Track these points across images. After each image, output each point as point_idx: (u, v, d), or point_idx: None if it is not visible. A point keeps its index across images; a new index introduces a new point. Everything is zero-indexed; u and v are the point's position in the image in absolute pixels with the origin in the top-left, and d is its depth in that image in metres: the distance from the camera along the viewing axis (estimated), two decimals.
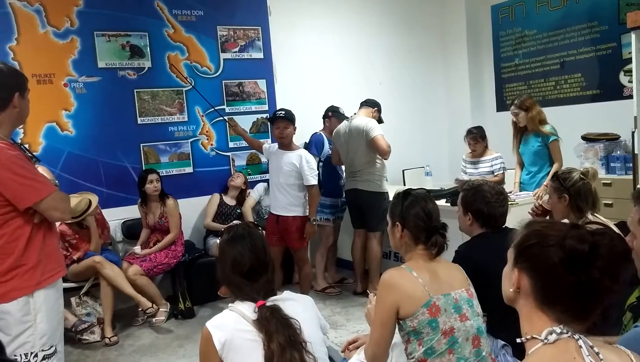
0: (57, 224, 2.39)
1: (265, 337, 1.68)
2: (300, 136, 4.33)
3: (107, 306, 4.12)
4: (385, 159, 4.62)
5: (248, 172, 5.39)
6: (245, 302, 1.79)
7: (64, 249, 4.12)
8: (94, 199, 4.24)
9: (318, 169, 4.55)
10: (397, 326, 2.01)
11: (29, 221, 2.13)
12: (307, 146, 4.89)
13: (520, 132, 4.58)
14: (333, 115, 4.99)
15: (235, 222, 4.83)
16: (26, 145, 4.04)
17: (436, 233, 2.08)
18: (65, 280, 3.93)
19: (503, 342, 2.26)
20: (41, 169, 3.05)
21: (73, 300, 4.13)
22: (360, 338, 2.42)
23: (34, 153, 3.41)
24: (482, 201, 2.47)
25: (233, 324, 1.73)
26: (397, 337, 2.07)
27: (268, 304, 1.76)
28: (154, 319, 4.31)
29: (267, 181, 5.25)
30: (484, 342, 2.02)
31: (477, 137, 4.86)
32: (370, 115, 4.67)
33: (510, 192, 4.26)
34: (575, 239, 1.11)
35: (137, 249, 4.55)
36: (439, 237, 2.08)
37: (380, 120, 4.78)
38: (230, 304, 1.82)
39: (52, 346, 2.18)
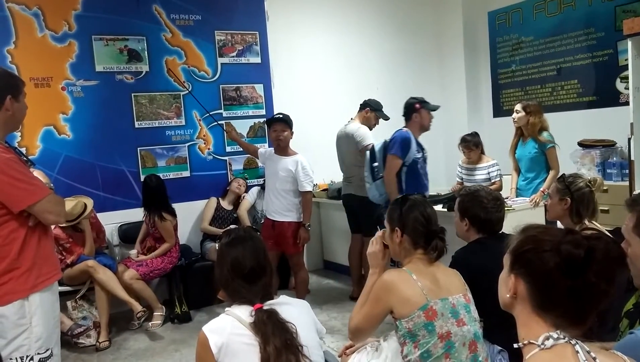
0: (52, 227, 2.37)
1: (262, 340, 1.68)
2: (297, 142, 4.31)
3: (103, 310, 4.11)
4: None
5: (245, 176, 5.39)
6: (242, 306, 1.78)
7: (58, 253, 4.10)
8: (89, 203, 4.24)
9: (401, 176, 4.07)
10: (393, 327, 2.01)
11: (23, 224, 2.12)
12: (385, 145, 4.15)
13: (519, 136, 4.59)
14: (422, 107, 4.16)
15: (232, 226, 4.84)
16: (22, 149, 4.04)
17: (436, 237, 2.09)
18: (60, 284, 3.93)
19: (500, 348, 2.26)
20: (36, 173, 3.04)
21: (69, 304, 4.12)
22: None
23: (29, 157, 3.40)
24: (479, 207, 2.48)
25: (230, 328, 1.73)
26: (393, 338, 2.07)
27: (265, 307, 1.76)
28: (150, 324, 4.30)
29: (261, 185, 5.26)
30: (481, 348, 2.02)
31: (470, 146, 4.82)
32: (363, 119, 4.68)
33: (507, 198, 4.26)
34: (571, 244, 1.11)
35: (133, 253, 4.54)
36: (439, 241, 2.09)
37: (382, 118, 4.74)
38: (226, 308, 1.81)
39: (48, 349, 2.18)
